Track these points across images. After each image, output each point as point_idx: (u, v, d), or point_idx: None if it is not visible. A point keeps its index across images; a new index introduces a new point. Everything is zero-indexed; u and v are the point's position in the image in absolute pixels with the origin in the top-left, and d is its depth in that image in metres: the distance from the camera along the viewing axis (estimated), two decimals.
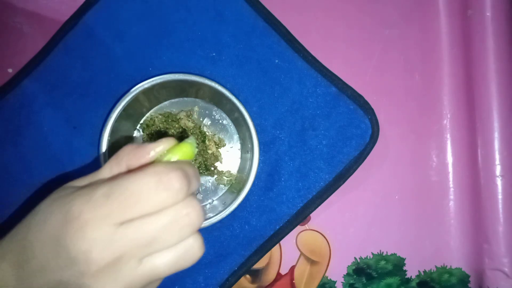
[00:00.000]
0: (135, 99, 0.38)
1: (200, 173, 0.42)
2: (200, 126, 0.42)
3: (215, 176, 0.42)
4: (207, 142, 0.41)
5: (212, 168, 0.42)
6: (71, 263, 0.23)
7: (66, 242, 0.23)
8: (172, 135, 0.40)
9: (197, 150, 0.27)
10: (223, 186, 0.43)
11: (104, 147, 0.37)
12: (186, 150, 0.27)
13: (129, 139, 0.42)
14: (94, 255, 0.22)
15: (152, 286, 0.27)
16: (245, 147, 0.41)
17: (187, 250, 0.25)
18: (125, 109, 0.38)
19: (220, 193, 0.43)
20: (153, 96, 0.40)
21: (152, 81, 0.38)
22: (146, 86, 0.37)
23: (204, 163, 0.41)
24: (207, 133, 0.42)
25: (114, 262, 0.23)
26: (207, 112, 0.43)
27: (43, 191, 0.41)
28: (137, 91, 0.37)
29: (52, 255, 0.23)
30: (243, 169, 0.41)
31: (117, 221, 0.23)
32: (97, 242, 0.22)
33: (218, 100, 0.41)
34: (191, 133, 0.41)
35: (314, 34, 0.45)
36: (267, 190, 0.42)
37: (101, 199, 0.23)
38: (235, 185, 0.41)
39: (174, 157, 0.26)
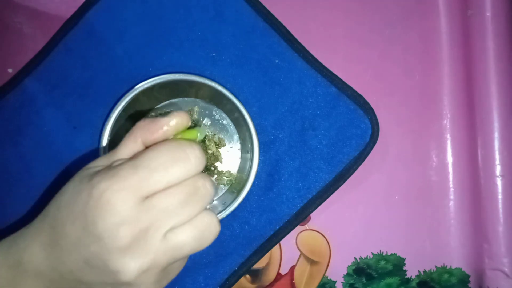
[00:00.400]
0: (135, 99, 0.38)
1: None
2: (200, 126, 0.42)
3: (215, 176, 0.42)
4: (207, 142, 0.41)
5: (212, 168, 0.42)
6: (99, 238, 0.23)
7: (95, 217, 0.23)
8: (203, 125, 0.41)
9: (204, 136, 0.29)
10: (223, 186, 0.43)
11: (104, 147, 0.37)
12: (193, 135, 0.28)
13: None
14: (121, 229, 0.23)
15: (177, 266, 0.28)
16: (245, 147, 0.41)
17: (205, 227, 0.26)
18: (125, 109, 0.38)
19: (220, 193, 0.43)
20: (153, 96, 0.40)
21: (152, 81, 0.38)
22: (146, 86, 0.37)
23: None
24: (207, 133, 0.42)
25: (141, 235, 0.24)
26: (207, 112, 0.43)
27: (43, 191, 0.41)
28: (137, 91, 0.37)
29: (81, 232, 0.24)
30: (243, 169, 0.41)
31: (142, 194, 0.24)
32: (124, 215, 0.23)
33: (218, 100, 0.41)
34: None
35: (314, 34, 0.45)
36: (267, 190, 0.42)
37: (126, 173, 0.24)
38: (235, 185, 0.41)
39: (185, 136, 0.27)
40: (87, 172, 0.26)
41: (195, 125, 0.41)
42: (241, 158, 0.43)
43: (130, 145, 0.27)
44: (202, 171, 0.26)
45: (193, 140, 0.27)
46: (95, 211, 0.23)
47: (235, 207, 0.38)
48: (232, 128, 0.43)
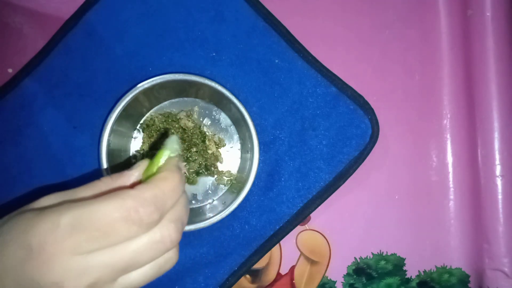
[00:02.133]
0: (135, 99, 0.38)
1: (200, 173, 0.42)
2: (200, 126, 0.42)
3: (215, 176, 0.42)
4: (207, 142, 0.41)
5: (212, 168, 0.42)
6: None
7: (32, 275, 0.21)
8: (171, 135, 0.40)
9: (178, 147, 0.27)
10: (223, 186, 0.43)
11: (104, 147, 0.37)
12: (164, 155, 0.26)
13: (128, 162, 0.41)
14: (66, 286, 0.21)
15: None
16: (245, 147, 0.41)
17: (161, 264, 0.24)
18: (125, 109, 0.38)
19: (220, 193, 0.43)
20: (153, 96, 0.40)
21: (152, 81, 0.38)
22: (146, 86, 0.37)
23: (204, 163, 0.41)
24: (207, 133, 0.42)
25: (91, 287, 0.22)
26: (207, 112, 0.43)
27: (43, 191, 0.41)
28: (137, 91, 0.37)
29: (14, 286, 0.22)
30: (243, 169, 0.41)
31: (85, 251, 0.22)
32: (67, 273, 0.21)
33: (218, 100, 0.41)
34: (191, 133, 0.41)
35: (314, 34, 0.45)
36: (267, 190, 0.42)
37: (65, 230, 0.21)
38: (235, 185, 0.41)
39: (154, 169, 0.26)
40: (21, 218, 0.23)
41: (186, 135, 0.40)
42: (241, 158, 0.43)
43: (89, 191, 0.25)
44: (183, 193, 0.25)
45: (164, 176, 0.24)
46: (33, 268, 0.21)
47: (235, 207, 0.38)
48: (232, 128, 0.43)
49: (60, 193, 0.25)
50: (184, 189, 0.26)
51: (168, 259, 0.25)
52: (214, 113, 0.43)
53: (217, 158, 0.42)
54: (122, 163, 0.40)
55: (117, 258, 0.22)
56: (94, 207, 0.22)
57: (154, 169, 0.26)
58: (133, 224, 0.22)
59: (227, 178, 0.42)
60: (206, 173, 0.42)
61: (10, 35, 0.44)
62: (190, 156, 0.41)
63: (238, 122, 0.41)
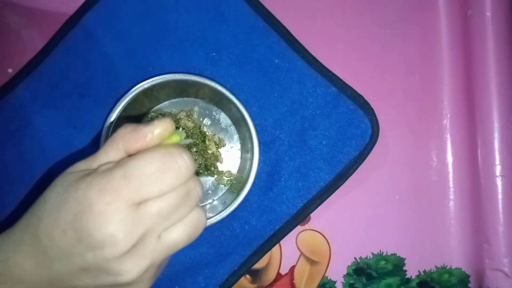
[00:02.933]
0: (135, 99, 0.38)
1: (200, 173, 0.42)
2: (200, 126, 0.42)
3: (215, 176, 0.42)
4: (207, 142, 0.41)
5: (212, 168, 0.42)
6: (96, 247, 0.23)
7: (89, 228, 0.23)
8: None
9: (183, 138, 0.29)
10: (223, 186, 0.43)
11: None
12: (175, 139, 0.28)
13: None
14: (120, 237, 0.23)
15: (168, 258, 0.28)
16: (245, 147, 0.41)
17: (196, 223, 0.27)
18: (125, 109, 0.38)
19: (220, 193, 0.42)
20: (153, 96, 0.40)
21: (152, 81, 0.38)
22: (146, 86, 0.37)
23: (204, 163, 0.41)
24: (207, 133, 0.42)
25: (138, 241, 0.24)
26: (207, 112, 0.43)
27: (43, 191, 0.40)
28: (137, 91, 0.37)
29: (73, 242, 0.24)
30: (243, 169, 0.41)
31: (136, 201, 0.24)
32: (121, 224, 0.23)
33: (218, 100, 0.41)
34: (191, 133, 0.41)
35: (314, 34, 0.45)
36: (267, 190, 0.42)
37: (118, 184, 0.23)
38: (235, 185, 0.41)
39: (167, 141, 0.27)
40: (70, 178, 0.25)
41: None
42: (241, 158, 0.43)
43: (111, 153, 0.26)
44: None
45: (179, 145, 0.27)
46: (89, 222, 0.23)
47: (235, 207, 0.38)
48: (232, 128, 0.43)
49: (87, 159, 0.27)
50: None
51: (199, 217, 0.27)
52: (214, 113, 0.43)
53: (217, 158, 0.42)
54: None
55: (162, 207, 0.24)
56: (142, 158, 0.24)
57: (173, 139, 0.27)
58: (178, 169, 0.25)
59: (227, 178, 0.42)
60: (206, 173, 0.42)
61: (10, 35, 0.44)
62: None
63: (238, 122, 0.41)
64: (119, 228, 0.23)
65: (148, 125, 0.26)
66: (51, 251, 0.24)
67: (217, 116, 0.43)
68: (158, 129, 0.26)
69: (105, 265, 0.24)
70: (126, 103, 0.37)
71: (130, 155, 0.26)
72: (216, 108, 0.43)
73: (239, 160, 0.43)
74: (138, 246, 0.24)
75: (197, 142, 0.41)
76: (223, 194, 0.42)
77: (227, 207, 0.38)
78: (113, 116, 0.37)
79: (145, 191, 0.24)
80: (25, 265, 0.25)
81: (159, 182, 0.24)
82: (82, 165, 0.27)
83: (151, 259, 0.25)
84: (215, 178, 0.42)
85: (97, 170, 0.25)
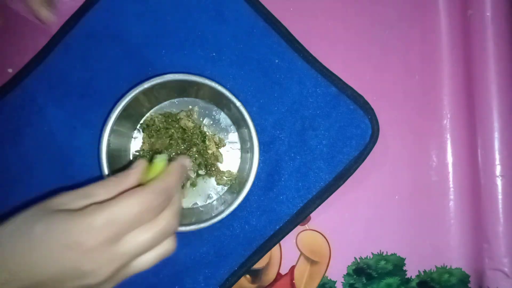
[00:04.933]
0: (135, 99, 0.38)
1: (200, 174, 0.42)
2: (200, 126, 0.42)
3: (215, 176, 0.42)
4: (207, 142, 0.41)
5: (213, 168, 0.42)
6: (78, 279, 0.26)
7: (72, 263, 0.26)
8: (171, 135, 0.41)
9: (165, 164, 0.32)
10: (223, 186, 0.43)
11: (104, 147, 0.37)
12: (159, 167, 0.31)
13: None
14: (101, 272, 0.26)
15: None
16: (245, 147, 0.41)
17: (163, 250, 0.30)
18: (125, 109, 0.38)
19: (220, 193, 0.42)
20: (153, 96, 0.40)
21: (152, 81, 0.38)
22: (146, 86, 0.37)
23: (204, 163, 0.41)
24: (207, 133, 0.42)
25: (115, 272, 0.27)
26: (207, 112, 0.43)
27: (43, 191, 0.41)
28: (137, 91, 0.37)
29: (54, 274, 0.26)
30: (243, 169, 0.41)
31: (115, 240, 0.27)
32: (102, 261, 0.26)
33: (218, 100, 0.41)
34: (191, 133, 0.41)
35: (314, 34, 0.45)
36: (267, 190, 0.42)
37: (100, 228, 0.26)
38: (235, 185, 0.41)
39: (151, 176, 0.31)
40: (52, 219, 0.26)
41: (186, 136, 0.42)
42: (241, 158, 0.43)
43: (102, 193, 0.29)
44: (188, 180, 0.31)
45: (165, 177, 0.30)
46: (72, 258, 0.26)
47: (235, 207, 0.38)
48: (232, 128, 0.43)
49: (73, 192, 0.28)
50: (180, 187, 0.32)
51: (169, 246, 0.30)
52: (214, 113, 0.43)
53: (217, 158, 0.42)
54: (121, 163, 0.40)
55: (139, 242, 0.27)
56: (121, 205, 0.27)
57: (152, 174, 0.31)
58: (150, 212, 0.28)
59: (227, 178, 0.42)
60: (206, 173, 0.42)
61: (10, 35, 0.44)
62: (190, 156, 0.40)
63: (238, 122, 0.41)
64: (100, 265, 0.26)
65: (130, 168, 0.30)
66: (28, 281, 0.26)
67: (217, 116, 0.43)
68: (139, 171, 0.30)
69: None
70: (126, 103, 0.37)
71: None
72: (216, 108, 0.43)
73: (239, 160, 0.43)
74: (114, 276, 0.27)
75: (197, 142, 0.41)
76: (223, 194, 0.42)
77: (227, 207, 0.38)
78: (113, 116, 0.37)
79: (123, 234, 0.27)
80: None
81: (135, 224, 0.27)
82: (66, 198, 0.28)
83: (118, 282, 0.29)
84: (215, 178, 0.42)
85: (82, 213, 0.27)
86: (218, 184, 0.42)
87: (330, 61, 0.43)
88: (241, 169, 0.42)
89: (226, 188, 0.42)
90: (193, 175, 0.41)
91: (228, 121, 0.43)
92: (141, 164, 0.31)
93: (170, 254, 0.30)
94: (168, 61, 0.42)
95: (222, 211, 0.38)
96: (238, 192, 0.38)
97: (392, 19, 0.46)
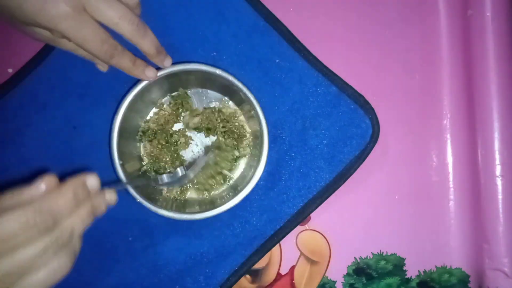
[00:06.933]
0: (146, 88, 0.38)
1: (209, 184, 0.42)
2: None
3: (222, 180, 0.43)
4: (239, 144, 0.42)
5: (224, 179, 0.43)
6: None
7: None
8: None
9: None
10: (226, 182, 0.43)
11: (114, 143, 0.38)
12: None
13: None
14: None
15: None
16: (253, 156, 0.42)
17: (55, 269, 0.26)
18: (141, 97, 0.39)
19: (220, 192, 0.43)
20: (178, 80, 0.41)
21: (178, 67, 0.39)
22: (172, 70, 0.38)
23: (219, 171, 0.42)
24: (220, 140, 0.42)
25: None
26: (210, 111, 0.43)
27: None
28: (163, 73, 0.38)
29: None
30: (245, 177, 0.41)
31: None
32: None
33: (231, 93, 0.42)
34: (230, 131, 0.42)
35: (315, 33, 0.45)
36: (267, 190, 0.42)
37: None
38: (235, 186, 0.41)
39: None
40: None
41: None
42: (246, 164, 0.43)
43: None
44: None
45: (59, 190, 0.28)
46: None
47: (234, 205, 0.38)
48: (245, 128, 0.43)
49: None
50: (91, 204, 0.29)
51: (62, 264, 0.26)
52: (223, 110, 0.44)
53: (243, 127, 0.43)
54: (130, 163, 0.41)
55: (15, 263, 0.24)
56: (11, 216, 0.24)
57: None
58: (29, 231, 0.24)
59: (227, 179, 0.42)
60: (217, 178, 0.42)
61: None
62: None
63: (252, 119, 0.42)
64: None
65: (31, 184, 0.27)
66: None
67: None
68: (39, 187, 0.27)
69: None
70: (143, 87, 0.38)
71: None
72: (226, 99, 0.44)
73: (243, 166, 0.43)
74: None
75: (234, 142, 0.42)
76: (223, 192, 0.42)
77: (226, 203, 0.38)
78: (121, 112, 0.38)
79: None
80: None
81: (11, 242, 0.24)
82: None
83: None
84: (216, 179, 0.42)
85: None
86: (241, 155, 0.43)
87: (331, 60, 0.43)
88: (243, 173, 0.42)
89: (225, 187, 0.42)
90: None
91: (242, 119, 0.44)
92: (45, 178, 0.28)
93: (65, 274, 0.26)
94: None
95: (221, 208, 0.38)
96: (240, 190, 0.38)
97: (392, 19, 0.46)
